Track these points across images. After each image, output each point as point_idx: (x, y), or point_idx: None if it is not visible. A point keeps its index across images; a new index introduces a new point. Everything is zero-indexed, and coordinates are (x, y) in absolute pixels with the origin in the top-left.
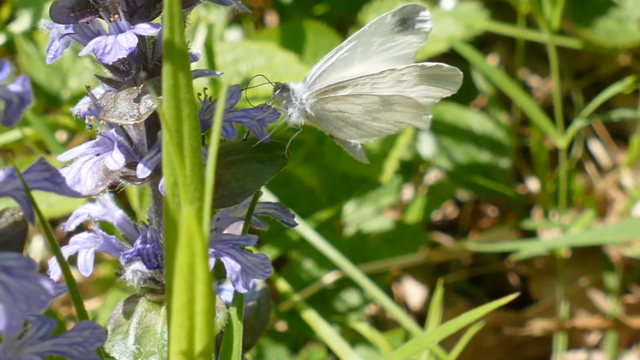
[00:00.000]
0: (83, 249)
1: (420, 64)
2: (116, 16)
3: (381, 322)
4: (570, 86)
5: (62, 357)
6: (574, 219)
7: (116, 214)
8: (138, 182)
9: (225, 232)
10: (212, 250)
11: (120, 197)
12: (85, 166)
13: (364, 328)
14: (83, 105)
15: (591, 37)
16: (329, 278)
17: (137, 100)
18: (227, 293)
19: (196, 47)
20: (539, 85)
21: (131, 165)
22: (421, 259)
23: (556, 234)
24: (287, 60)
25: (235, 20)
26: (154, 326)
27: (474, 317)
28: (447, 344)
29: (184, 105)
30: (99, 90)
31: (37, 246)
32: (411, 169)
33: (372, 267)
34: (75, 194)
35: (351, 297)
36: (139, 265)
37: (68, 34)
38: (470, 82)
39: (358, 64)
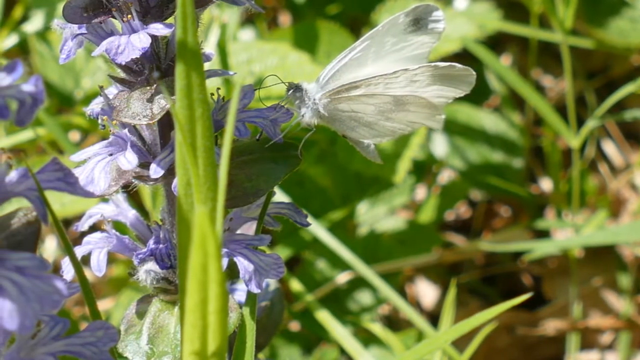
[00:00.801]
0: (96, 249)
1: (433, 64)
2: (129, 16)
3: (394, 322)
4: (583, 86)
5: (75, 357)
6: (587, 219)
7: (129, 214)
8: (151, 182)
9: (238, 232)
10: (225, 250)
11: (133, 197)
12: (98, 166)
13: (377, 328)
14: (96, 105)
15: (604, 37)
16: (342, 278)
17: (150, 100)
18: (240, 293)
19: (209, 47)
20: (552, 85)
21: (144, 165)
22: (434, 259)
23: (569, 234)
24: (300, 60)
25: (249, 20)
26: (167, 326)
27: (487, 317)
28: (460, 344)
29: (197, 105)
30: (112, 90)
31: (50, 246)
32: (424, 169)
33: (385, 267)
34: (88, 194)
35: (364, 297)
36: (152, 265)
37: (81, 34)
38: (483, 82)
39: (371, 64)
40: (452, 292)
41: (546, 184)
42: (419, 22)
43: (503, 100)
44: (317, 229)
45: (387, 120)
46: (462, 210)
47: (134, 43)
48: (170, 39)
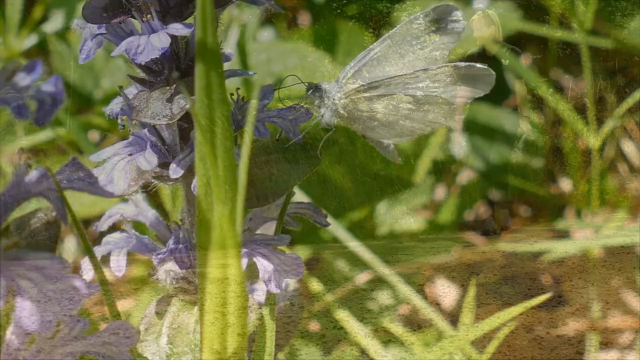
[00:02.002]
0: (116, 249)
1: (453, 64)
2: (149, 16)
3: (414, 322)
4: (602, 86)
5: (95, 357)
6: (606, 219)
7: (149, 214)
8: (171, 182)
9: (257, 232)
10: (244, 250)
11: (153, 197)
12: (117, 166)
13: (397, 328)
14: (116, 105)
15: (624, 37)
16: (362, 278)
17: (170, 100)
18: (259, 293)
19: (229, 47)
20: (571, 85)
21: (164, 165)
22: (454, 259)
23: (589, 234)
24: (320, 60)
25: (268, 20)
26: (187, 326)
27: (506, 317)
28: (479, 343)
29: (216, 105)
30: (131, 90)
31: (69, 246)
32: (443, 169)
33: (405, 267)
34: (107, 194)
35: (384, 297)
36: (171, 266)
37: (101, 34)
38: (502, 82)
39: (391, 64)
40: (471, 292)
41: (566, 184)
42: (438, 22)
43: (522, 100)
44: (337, 229)
45: (406, 120)
46: (481, 210)
47: (153, 43)
48: (189, 39)
